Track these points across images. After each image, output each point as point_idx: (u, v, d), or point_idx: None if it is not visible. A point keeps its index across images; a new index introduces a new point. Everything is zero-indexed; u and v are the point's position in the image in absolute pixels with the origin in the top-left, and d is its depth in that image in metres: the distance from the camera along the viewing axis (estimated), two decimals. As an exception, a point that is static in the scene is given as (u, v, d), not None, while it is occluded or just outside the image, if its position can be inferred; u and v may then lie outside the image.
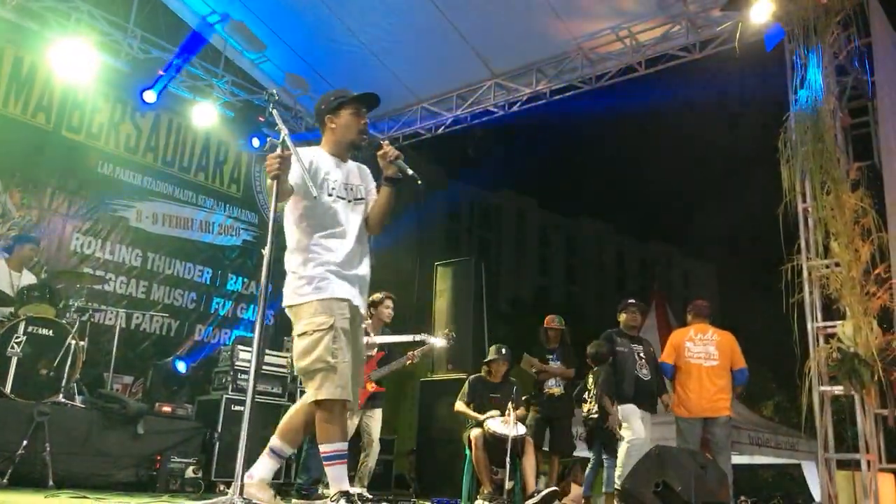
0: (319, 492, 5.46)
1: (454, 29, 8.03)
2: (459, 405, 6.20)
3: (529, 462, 5.80)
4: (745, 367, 6.06)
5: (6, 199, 7.16)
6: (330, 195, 3.33)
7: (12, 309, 5.75)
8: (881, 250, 5.71)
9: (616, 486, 5.58)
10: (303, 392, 3.39)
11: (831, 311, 5.99)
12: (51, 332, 5.57)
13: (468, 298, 8.91)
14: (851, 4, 6.34)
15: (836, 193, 5.90)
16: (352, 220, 3.38)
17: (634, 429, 5.84)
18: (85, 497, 4.35)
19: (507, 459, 5.55)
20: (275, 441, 3.29)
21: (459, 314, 8.87)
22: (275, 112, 3.32)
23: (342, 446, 3.16)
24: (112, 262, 7.86)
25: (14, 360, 5.34)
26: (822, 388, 5.87)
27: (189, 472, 5.94)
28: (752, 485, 19.50)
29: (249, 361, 6.37)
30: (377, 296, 5.99)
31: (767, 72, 7.16)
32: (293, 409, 3.36)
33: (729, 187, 62.02)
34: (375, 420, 5.86)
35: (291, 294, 3.25)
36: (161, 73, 7.94)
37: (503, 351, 6.33)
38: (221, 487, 6.00)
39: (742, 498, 14.48)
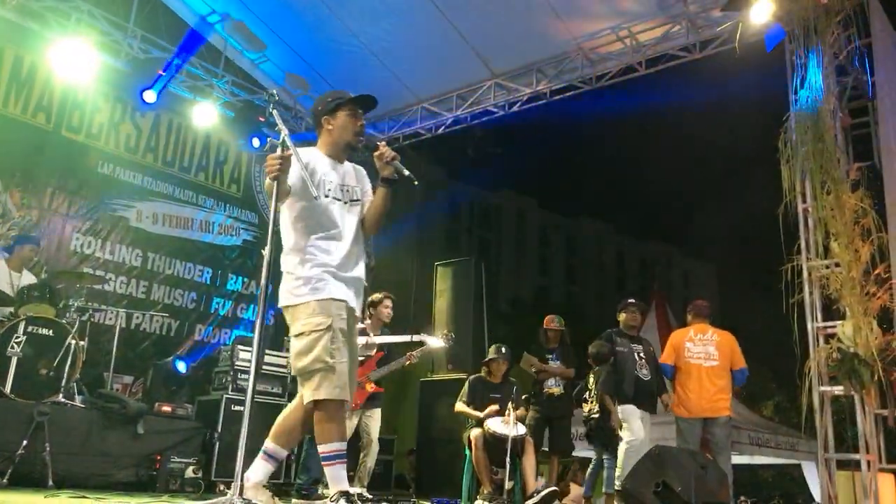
0: (319, 492, 5.46)
1: (454, 29, 8.03)
2: (460, 406, 6.20)
3: (529, 462, 5.80)
4: (745, 367, 6.06)
5: (6, 199, 7.16)
6: (326, 196, 3.32)
7: (12, 309, 5.75)
8: (881, 250, 5.71)
9: (616, 487, 5.58)
10: (303, 392, 3.39)
11: (831, 311, 5.99)
12: (51, 331, 5.58)
13: (468, 298, 8.91)
14: (851, 4, 6.34)
15: (836, 194, 5.90)
16: (348, 221, 3.39)
17: (633, 430, 5.84)
18: (85, 497, 4.35)
19: (507, 459, 5.55)
20: (269, 444, 3.29)
21: (459, 314, 8.87)
22: (275, 112, 3.33)
23: (341, 446, 3.15)
24: (112, 262, 7.86)
25: (14, 360, 5.34)
26: (822, 388, 5.88)
27: (189, 472, 5.95)
28: (752, 485, 19.49)
29: (249, 361, 6.38)
30: (376, 296, 6.00)
31: (767, 72, 7.16)
32: (286, 410, 3.36)
33: (729, 187, 62.09)
34: (374, 420, 5.86)
35: (288, 295, 3.25)
36: (161, 72, 7.94)
37: (503, 350, 6.32)
38: (221, 487, 5.99)
39: (742, 498, 14.48)
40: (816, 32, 6.27)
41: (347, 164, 3.52)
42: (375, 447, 5.86)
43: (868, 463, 5.58)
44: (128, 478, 5.67)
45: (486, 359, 6.38)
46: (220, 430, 6.33)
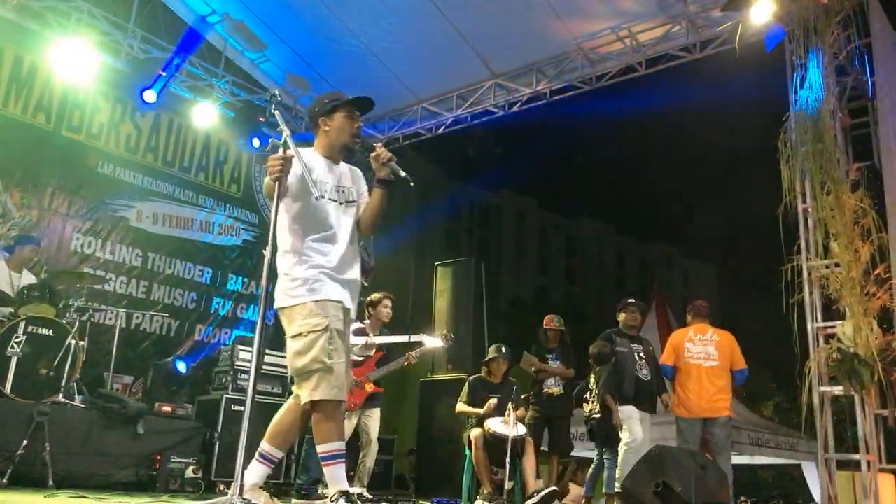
0: (319, 492, 5.46)
1: (454, 29, 8.03)
2: (460, 406, 6.20)
3: (529, 462, 5.80)
4: (745, 367, 6.06)
5: (6, 199, 7.16)
6: (322, 197, 3.32)
7: (12, 309, 5.75)
8: (881, 251, 5.71)
9: (616, 489, 5.58)
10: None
11: (831, 311, 5.99)
12: (51, 331, 5.58)
13: (468, 298, 8.91)
14: (851, 4, 6.34)
15: (836, 194, 5.90)
16: (343, 222, 3.39)
17: (633, 432, 5.85)
18: (85, 497, 4.35)
19: (507, 459, 5.55)
20: (264, 445, 3.29)
21: (459, 314, 8.88)
22: (277, 113, 3.33)
23: (339, 446, 3.16)
24: (112, 262, 7.86)
25: (14, 360, 5.34)
26: (822, 388, 5.88)
27: (189, 472, 5.95)
28: (752, 485, 19.49)
29: (249, 361, 6.41)
30: (375, 295, 6.00)
31: (767, 72, 7.16)
32: (281, 411, 3.36)
33: (729, 187, 62.14)
34: (374, 420, 5.86)
35: (284, 296, 3.25)
36: (161, 72, 7.94)
37: (503, 350, 6.32)
38: (221, 487, 5.99)
39: (742, 498, 14.46)
40: (816, 32, 6.27)
41: (343, 165, 3.53)
42: (375, 447, 5.86)
43: (868, 463, 5.58)
44: (128, 478, 5.67)
45: (486, 358, 6.38)
46: (220, 430, 6.33)
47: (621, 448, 5.82)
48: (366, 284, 6.29)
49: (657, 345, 7.39)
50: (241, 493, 2.80)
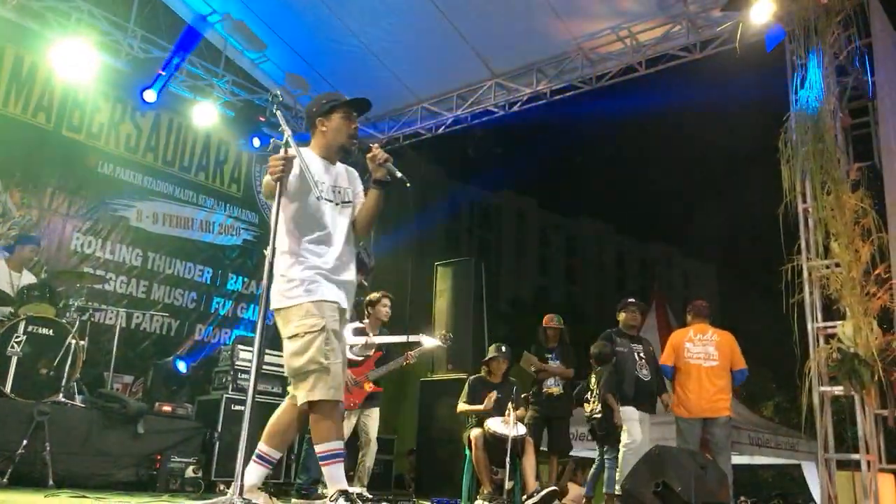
0: (319, 492, 5.46)
1: (454, 29, 8.03)
2: (461, 406, 6.20)
3: (529, 462, 5.80)
4: (745, 367, 6.06)
5: (6, 199, 7.16)
6: (318, 198, 3.33)
7: (12, 308, 5.75)
8: (881, 251, 5.71)
9: (616, 490, 5.59)
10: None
11: (831, 311, 5.99)
12: (51, 331, 5.58)
13: (468, 298, 8.90)
14: (852, 4, 6.34)
15: (837, 194, 5.90)
16: (339, 223, 3.39)
17: (632, 433, 5.86)
18: (85, 497, 4.35)
19: (507, 459, 5.55)
20: (262, 446, 3.29)
21: (459, 314, 8.87)
22: (278, 113, 3.33)
23: (338, 445, 3.16)
24: (112, 261, 7.86)
25: (14, 360, 5.34)
26: (822, 388, 5.88)
27: (189, 472, 5.95)
28: (752, 485, 19.49)
29: (250, 361, 6.41)
30: (374, 295, 6.00)
31: (767, 72, 7.16)
32: (278, 411, 3.36)
33: (729, 187, 62.10)
34: (373, 419, 5.86)
35: (280, 297, 3.24)
36: (161, 72, 7.94)
37: (503, 349, 6.32)
38: (221, 487, 5.99)
39: (742, 498, 14.45)
40: (816, 32, 6.27)
41: (339, 166, 3.53)
42: (374, 447, 5.86)
43: (868, 463, 5.58)
44: (128, 477, 5.67)
45: (486, 358, 6.38)
46: (220, 429, 6.33)
47: (621, 449, 5.82)
48: (365, 284, 6.31)
49: (657, 345, 7.39)
50: (241, 493, 2.80)
